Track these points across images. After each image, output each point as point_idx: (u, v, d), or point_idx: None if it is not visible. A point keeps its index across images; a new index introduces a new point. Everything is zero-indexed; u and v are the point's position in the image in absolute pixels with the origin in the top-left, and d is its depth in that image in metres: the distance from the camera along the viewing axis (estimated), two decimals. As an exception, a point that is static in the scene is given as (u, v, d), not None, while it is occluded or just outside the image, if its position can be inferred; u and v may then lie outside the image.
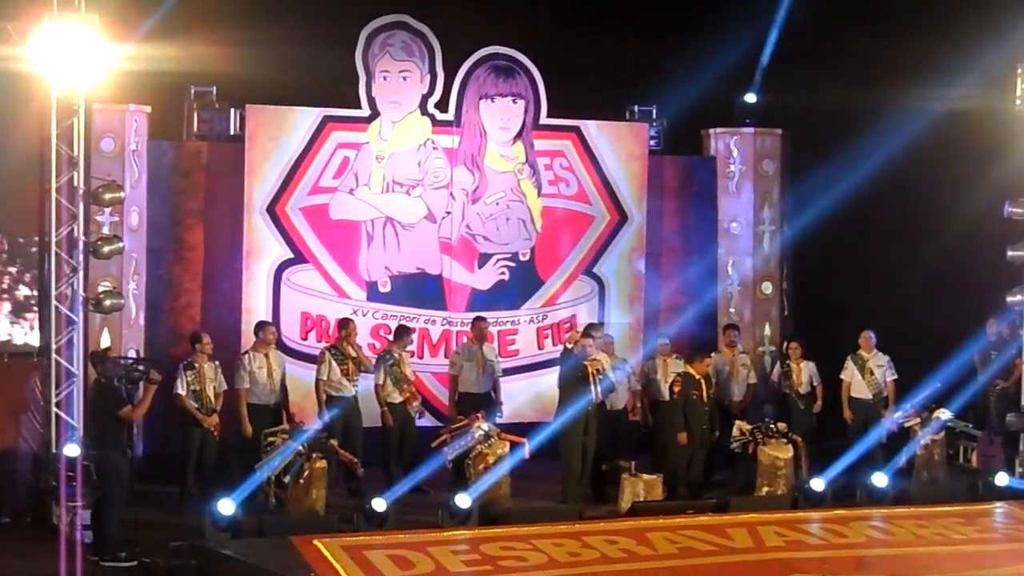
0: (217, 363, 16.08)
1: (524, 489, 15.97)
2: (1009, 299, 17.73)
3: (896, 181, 18.42)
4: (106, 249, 15.70)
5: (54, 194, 15.28)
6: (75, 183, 15.35)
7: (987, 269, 18.35)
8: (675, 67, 18.36)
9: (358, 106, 18.22)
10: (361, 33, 18.08)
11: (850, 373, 17.74)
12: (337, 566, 13.10)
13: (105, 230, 16.61)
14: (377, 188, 18.32)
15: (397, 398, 16.70)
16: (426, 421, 17.48)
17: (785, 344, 18.50)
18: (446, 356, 18.12)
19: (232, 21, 16.78)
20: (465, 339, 17.91)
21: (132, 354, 16.84)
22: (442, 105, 18.46)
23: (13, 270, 16.04)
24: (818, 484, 15.83)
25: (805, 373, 17.82)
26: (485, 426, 15.69)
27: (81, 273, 15.42)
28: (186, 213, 18.01)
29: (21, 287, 16.04)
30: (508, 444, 15.67)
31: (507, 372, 17.97)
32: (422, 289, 18.53)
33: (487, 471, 15.40)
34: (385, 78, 18.25)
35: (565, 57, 18.41)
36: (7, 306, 16.01)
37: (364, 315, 18.14)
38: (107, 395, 14.31)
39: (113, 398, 14.22)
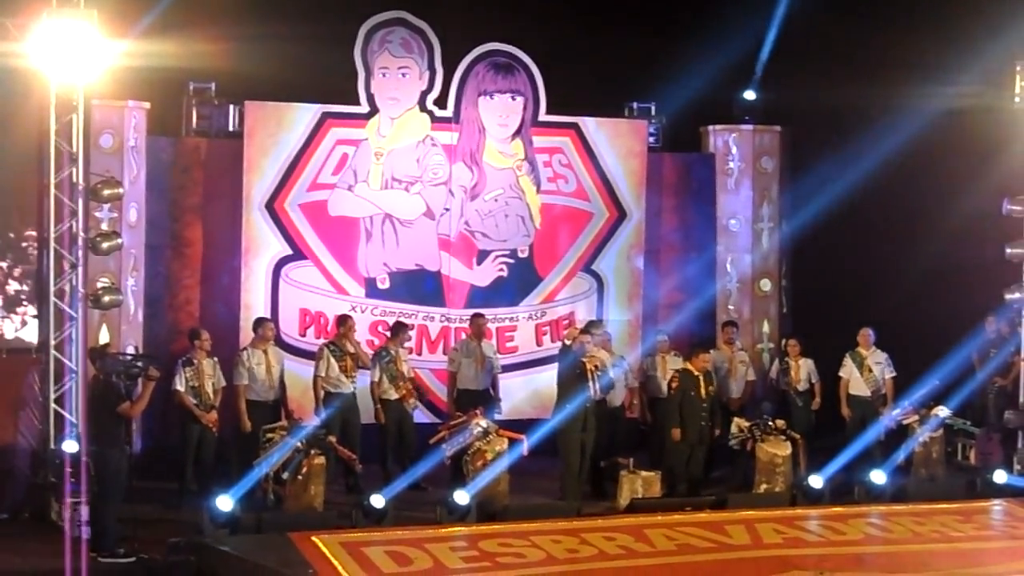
0: (216, 359, 16.09)
1: (522, 486, 15.97)
2: (1008, 296, 17.74)
3: (895, 178, 18.42)
4: (105, 245, 15.68)
5: (53, 190, 15.26)
6: (74, 179, 15.33)
7: (986, 266, 18.35)
8: (674, 64, 18.34)
9: (357, 102, 18.23)
10: (360, 29, 18.10)
11: (848, 370, 17.74)
12: (335, 562, 13.09)
13: (104, 226, 16.62)
14: (376, 184, 18.33)
15: (393, 395, 16.69)
16: (424, 418, 17.49)
17: (784, 341, 18.53)
18: (445, 353, 18.13)
19: (231, 17, 16.78)
20: (464, 336, 17.91)
21: (131, 350, 16.84)
22: (441, 102, 18.47)
23: (4, 265, 16.06)
24: (816, 481, 15.83)
25: (804, 370, 17.84)
26: (484, 423, 15.67)
27: (80, 269, 15.39)
28: (185, 209, 18.02)
29: (12, 282, 16.07)
30: (506, 441, 15.65)
31: (506, 369, 17.96)
32: (421, 286, 18.54)
33: (485, 468, 15.38)
34: (384, 74, 18.26)
35: (564, 54, 18.41)
36: (-1, 301, 16.08)
37: (363, 312, 18.15)
38: (106, 391, 14.29)
39: (112, 394, 14.20)
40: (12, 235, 16.08)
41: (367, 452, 16.38)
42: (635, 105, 19.67)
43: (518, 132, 18.81)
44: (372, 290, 18.36)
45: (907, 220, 19.00)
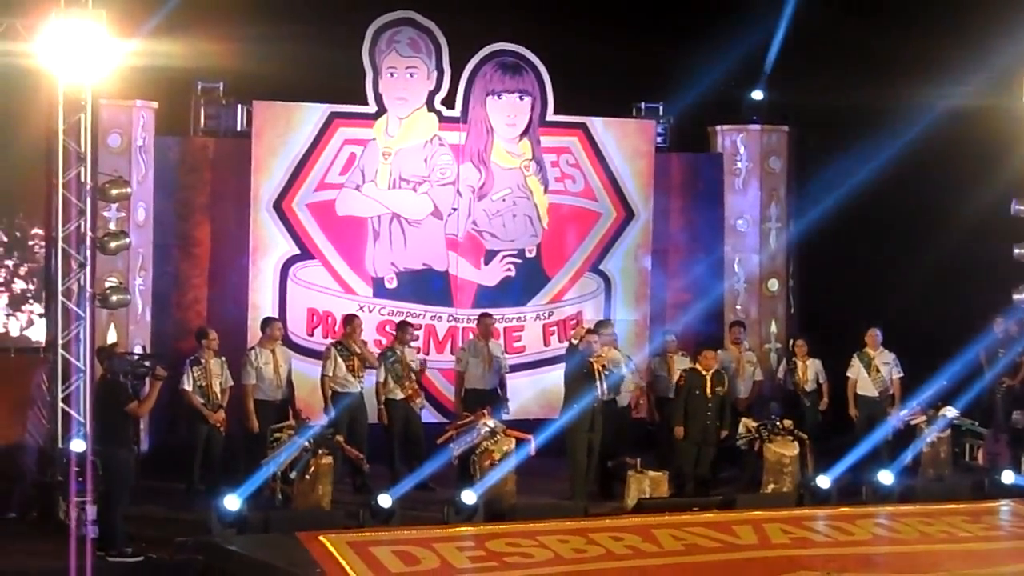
0: (223, 359, 16.10)
1: (530, 485, 15.96)
2: (1016, 297, 17.76)
3: (903, 179, 18.39)
4: (113, 245, 15.69)
5: (61, 189, 15.27)
6: (82, 179, 15.35)
7: (994, 267, 18.35)
8: (682, 64, 18.35)
9: (365, 102, 18.23)
10: (368, 29, 18.10)
11: (856, 371, 17.75)
12: (343, 562, 13.09)
13: (112, 226, 16.62)
14: (384, 184, 18.33)
15: (399, 395, 16.68)
16: (432, 417, 17.51)
17: (791, 341, 18.54)
18: (452, 352, 18.13)
19: (239, 17, 16.78)
20: (471, 335, 17.91)
21: (138, 350, 16.87)
22: (449, 101, 18.47)
23: (10, 263, 16.09)
24: (824, 481, 15.83)
25: (811, 370, 17.83)
26: (491, 422, 15.69)
27: (88, 269, 15.42)
28: (193, 209, 18.04)
29: (18, 280, 16.10)
30: (514, 440, 15.67)
31: (513, 369, 17.98)
32: (428, 285, 18.54)
33: (493, 467, 15.40)
34: (392, 74, 18.26)
35: (572, 54, 18.38)
36: (4, 299, 16.06)
37: (370, 311, 18.15)
38: (113, 391, 14.31)
39: (119, 394, 14.22)
40: (19, 233, 16.11)
41: (374, 452, 16.37)
42: (643, 105, 19.66)
43: (526, 132, 18.81)
44: (380, 290, 18.36)
45: (915, 220, 18.97)
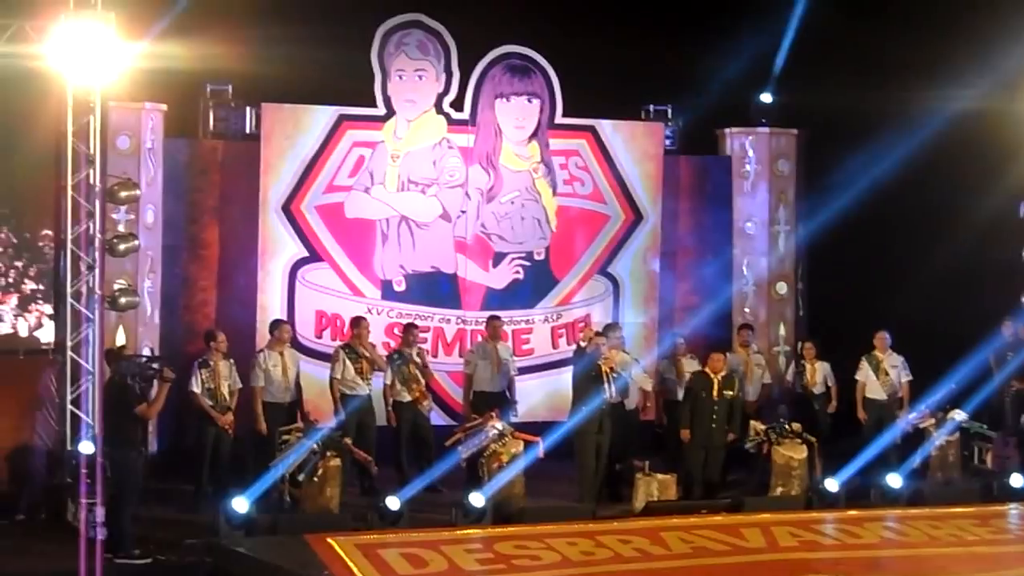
0: (232, 361, 16.10)
1: (538, 488, 15.95)
2: (1024, 300, 17.73)
3: (911, 181, 18.37)
4: (122, 247, 15.74)
5: (70, 192, 15.30)
6: (91, 181, 15.37)
7: (1003, 270, 18.35)
8: (690, 67, 18.35)
9: (373, 105, 18.25)
10: (377, 32, 18.13)
11: (865, 374, 17.74)
12: (351, 564, 13.09)
13: (121, 228, 16.66)
14: (392, 187, 18.34)
15: (407, 397, 16.69)
16: (440, 420, 17.52)
17: (800, 344, 18.53)
18: (460, 355, 18.14)
19: (248, 20, 16.81)
20: (480, 338, 17.92)
21: (147, 352, 16.88)
22: (457, 104, 18.48)
23: (19, 264, 16.11)
24: (832, 484, 15.80)
25: (820, 373, 17.83)
26: (499, 425, 15.69)
27: (97, 271, 15.42)
28: (202, 211, 18.06)
29: (28, 281, 16.12)
30: (522, 443, 15.67)
31: (521, 371, 17.95)
32: (437, 288, 18.55)
33: (501, 470, 15.40)
34: (401, 77, 18.28)
35: (580, 56, 18.38)
36: (13, 300, 16.08)
37: (379, 314, 18.16)
38: (122, 393, 14.33)
39: (128, 396, 14.24)
40: (28, 235, 16.13)
41: (383, 454, 16.38)
42: (651, 108, 19.66)
43: (534, 134, 18.82)
44: (388, 292, 18.37)
45: (923, 223, 18.95)
